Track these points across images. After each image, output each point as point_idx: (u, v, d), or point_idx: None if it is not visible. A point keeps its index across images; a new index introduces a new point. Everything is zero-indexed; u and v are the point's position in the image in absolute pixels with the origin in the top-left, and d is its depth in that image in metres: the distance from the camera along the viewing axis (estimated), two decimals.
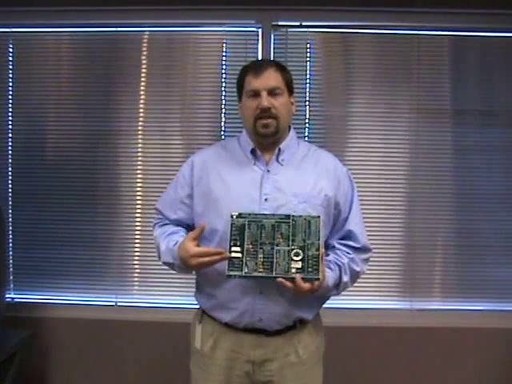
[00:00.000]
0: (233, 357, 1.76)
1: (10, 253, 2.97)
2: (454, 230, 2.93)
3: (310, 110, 2.89)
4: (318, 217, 1.65)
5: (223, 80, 2.90)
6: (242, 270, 1.60)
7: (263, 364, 1.75)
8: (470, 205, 2.91)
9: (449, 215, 2.93)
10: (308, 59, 2.89)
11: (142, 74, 2.94)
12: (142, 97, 2.94)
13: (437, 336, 2.87)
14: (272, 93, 1.75)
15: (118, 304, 2.97)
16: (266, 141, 1.79)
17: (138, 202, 2.95)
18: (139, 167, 2.95)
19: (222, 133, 2.91)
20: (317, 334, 1.85)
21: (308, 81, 2.89)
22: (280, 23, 2.87)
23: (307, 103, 2.89)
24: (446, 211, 2.93)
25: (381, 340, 2.86)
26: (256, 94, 1.75)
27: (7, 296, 2.89)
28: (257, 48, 2.89)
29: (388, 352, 2.86)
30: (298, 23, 2.88)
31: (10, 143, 2.97)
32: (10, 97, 2.96)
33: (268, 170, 1.78)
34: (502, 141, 2.91)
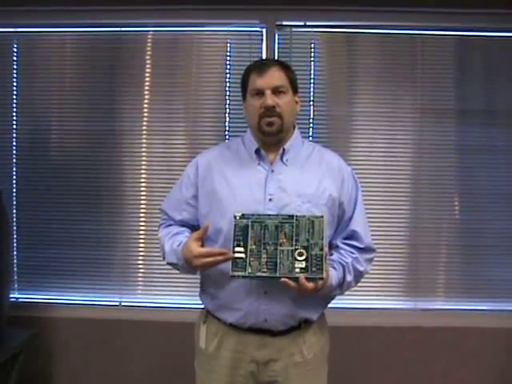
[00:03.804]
0: (237, 357, 1.76)
1: (15, 252, 2.97)
2: (457, 230, 2.92)
3: (314, 110, 2.89)
4: (322, 216, 1.65)
5: (227, 80, 2.91)
6: (245, 271, 1.60)
7: (268, 364, 1.75)
8: (473, 205, 2.91)
9: (453, 215, 2.93)
10: (312, 59, 2.90)
11: (146, 74, 2.94)
12: (146, 97, 2.95)
13: (441, 336, 2.86)
14: (276, 91, 1.75)
15: (123, 304, 2.98)
16: (270, 139, 1.79)
17: (142, 201, 2.96)
18: (143, 167, 2.96)
19: (226, 133, 2.92)
20: (322, 334, 1.85)
21: (312, 80, 2.89)
22: (284, 23, 2.88)
23: (311, 103, 2.89)
24: (449, 211, 2.93)
25: (385, 340, 2.86)
26: (260, 92, 1.75)
27: (11, 296, 2.90)
28: (261, 48, 2.89)
29: (392, 351, 2.86)
30: (302, 23, 2.89)
31: (14, 143, 2.98)
32: (15, 97, 2.97)
33: (272, 170, 1.78)
34: (505, 141, 2.91)
